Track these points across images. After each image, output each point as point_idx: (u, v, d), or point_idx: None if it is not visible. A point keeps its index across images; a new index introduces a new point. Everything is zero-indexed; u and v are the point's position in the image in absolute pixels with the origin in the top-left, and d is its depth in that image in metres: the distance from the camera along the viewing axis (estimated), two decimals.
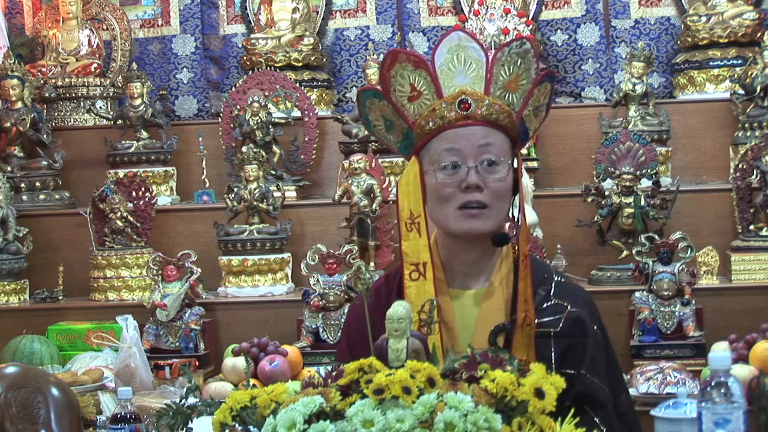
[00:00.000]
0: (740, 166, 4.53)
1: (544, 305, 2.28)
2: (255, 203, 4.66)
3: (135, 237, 4.77)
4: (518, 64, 2.26)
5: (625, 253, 4.42)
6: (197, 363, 4.15)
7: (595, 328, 2.30)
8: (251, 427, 1.83)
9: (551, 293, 2.30)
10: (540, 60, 2.33)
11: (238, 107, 5.12)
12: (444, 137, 2.25)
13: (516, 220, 2.31)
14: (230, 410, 1.85)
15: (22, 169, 5.14)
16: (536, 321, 2.23)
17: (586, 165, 4.82)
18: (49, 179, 5.15)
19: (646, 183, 4.46)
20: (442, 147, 2.25)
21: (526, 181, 4.47)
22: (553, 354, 2.23)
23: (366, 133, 4.96)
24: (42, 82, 5.45)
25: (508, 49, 2.26)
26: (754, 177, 4.48)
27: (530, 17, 5.32)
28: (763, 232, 4.43)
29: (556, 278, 2.35)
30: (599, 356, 2.28)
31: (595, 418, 2.20)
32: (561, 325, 2.26)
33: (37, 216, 5.02)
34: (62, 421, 2.49)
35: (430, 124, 2.26)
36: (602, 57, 5.61)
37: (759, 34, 5.04)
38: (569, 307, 2.28)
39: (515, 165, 2.28)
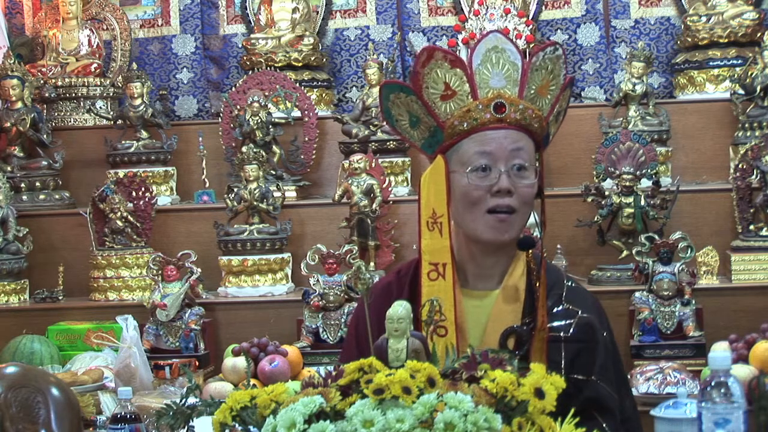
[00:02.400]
0: (740, 166, 4.53)
1: (556, 309, 2.27)
2: (255, 203, 4.66)
3: (135, 237, 4.77)
4: (549, 69, 2.25)
5: (625, 253, 4.42)
6: (197, 363, 4.15)
7: (605, 334, 2.30)
8: (251, 427, 1.83)
9: (563, 297, 2.30)
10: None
11: (238, 107, 5.12)
12: (475, 139, 2.23)
13: (539, 224, 2.31)
14: (230, 410, 1.85)
15: (22, 169, 5.14)
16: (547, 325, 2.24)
17: (586, 165, 4.82)
18: (49, 179, 5.15)
19: (646, 183, 4.46)
20: (473, 149, 2.23)
21: None
22: (563, 359, 2.23)
23: (366, 133, 4.97)
24: (42, 82, 5.44)
25: (543, 54, 2.25)
26: (754, 177, 4.48)
27: (530, 17, 5.31)
28: (763, 232, 4.42)
29: (567, 283, 2.34)
30: (608, 362, 2.27)
31: (603, 424, 2.19)
32: (572, 330, 2.25)
33: (37, 216, 5.02)
34: (62, 421, 2.49)
35: (464, 124, 2.23)
36: (602, 57, 5.61)
37: (759, 34, 5.04)
38: (580, 312, 2.27)
39: (542, 169, 2.29)
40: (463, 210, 2.25)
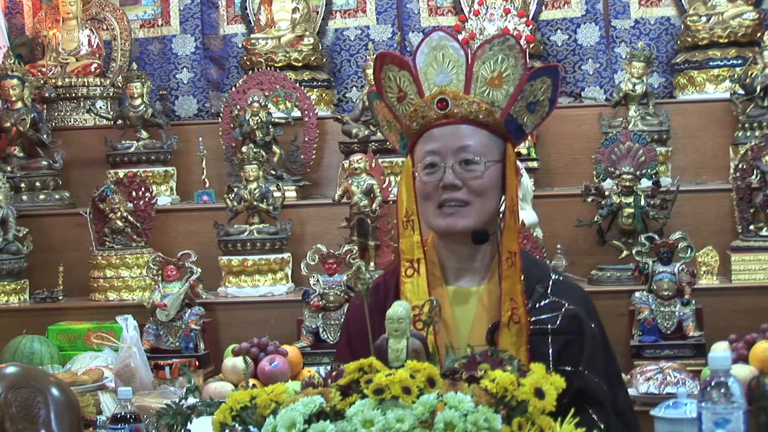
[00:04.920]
0: (740, 166, 4.53)
1: (542, 303, 2.29)
2: (255, 203, 4.66)
3: (135, 237, 4.77)
4: (500, 60, 2.25)
5: (625, 253, 4.42)
6: (197, 363, 4.14)
7: (592, 326, 2.30)
8: (251, 427, 1.83)
9: (548, 291, 2.31)
10: (533, 58, 2.32)
11: (238, 107, 5.12)
12: (425, 138, 2.28)
13: (501, 217, 2.31)
14: (230, 410, 1.85)
15: (22, 169, 5.15)
16: (533, 318, 2.24)
17: (586, 165, 4.82)
18: (49, 179, 5.15)
19: (646, 183, 4.46)
20: (423, 148, 2.28)
21: (526, 181, 4.47)
22: (550, 351, 2.24)
23: (366, 133, 4.97)
24: (42, 82, 5.45)
25: (490, 46, 2.26)
26: (754, 177, 4.48)
27: (530, 17, 5.32)
28: (763, 232, 4.42)
29: (553, 276, 2.35)
30: (597, 354, 2.28)
31: (593, 415, 2.20)
32: (558, 322, 2.27)
33: (37, 216, 5.02)
34: (62, 421, 2.49)
35: (414, 124, 2.28)
36: (602, 57, 5.61)
37: (759, 34, 5.04)
38: (567, 304, 2.29)
39: (508, 161, 2.28)
40: (421, 206, 2.30)
